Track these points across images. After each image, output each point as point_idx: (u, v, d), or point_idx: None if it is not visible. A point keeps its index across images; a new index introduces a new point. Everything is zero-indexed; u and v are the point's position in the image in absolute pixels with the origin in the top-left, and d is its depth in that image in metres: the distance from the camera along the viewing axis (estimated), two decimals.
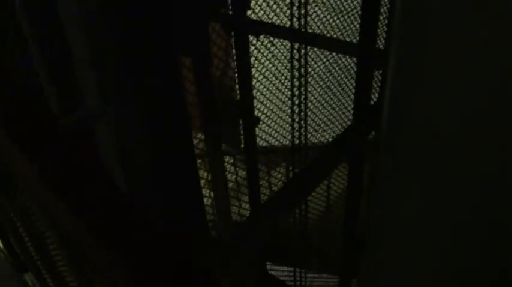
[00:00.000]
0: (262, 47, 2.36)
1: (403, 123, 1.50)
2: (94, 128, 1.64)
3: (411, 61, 1.38)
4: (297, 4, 2.27)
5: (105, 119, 1.57)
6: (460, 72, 1.25)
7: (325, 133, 3.15)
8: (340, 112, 3.23)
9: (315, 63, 2.72)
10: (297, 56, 2.38)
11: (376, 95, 3.27)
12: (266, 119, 2.54)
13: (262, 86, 2.46)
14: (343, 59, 2.96)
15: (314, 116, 2.89)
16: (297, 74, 2.42)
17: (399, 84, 1.48)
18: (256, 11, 2.27)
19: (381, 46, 2.94)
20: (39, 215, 1.94)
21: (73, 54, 1.47)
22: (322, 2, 2.56)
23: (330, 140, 3.16)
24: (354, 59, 2.94)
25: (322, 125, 3.07)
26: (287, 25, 2.32)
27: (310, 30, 2.46)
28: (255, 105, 2.38)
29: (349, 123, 3.32)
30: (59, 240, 1.98)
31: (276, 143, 2.73)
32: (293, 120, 2.58)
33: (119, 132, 1.64)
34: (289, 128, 2.62)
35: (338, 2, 2.70)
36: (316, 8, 2.53)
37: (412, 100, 1.43)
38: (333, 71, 2.91)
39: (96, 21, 1.39)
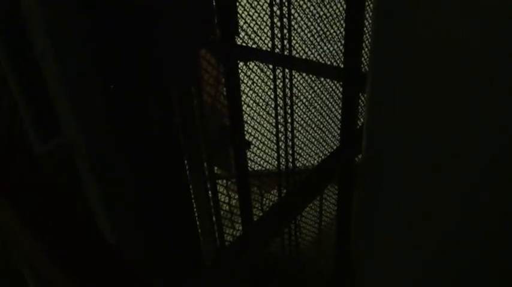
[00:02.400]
0: (251, 72, 2.42)
1: (378, 148, 1.52)
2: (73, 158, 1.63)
3: (383, 87, 1.41)
4: (279, 30, 2.34)
5: (85, 147, 1.56)
6: (432, 99, 1.27)
7: (312, 156, 3.20)
8: (327, 135, 3.29)
9: (303, 87, 2.78)
10: (283, 81, 2.44)
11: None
12: (257, 142, 2.58)
13: (253, 111, 2.51)
14: (330, 83, 3.03)
15: (302, 138, 2.94)
16: (284, 98, 2.48)
17: (374, 110, 1.51)
18: (245, 38, 2.34)
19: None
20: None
21: (49, 87, 1.49)
22: (308, 29, 2.64)
23: (318, 162, 3.21)
24: (340, 83, 3.01)
25: (310, 147, 3.12)
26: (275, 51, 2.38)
27: (296, 56, 2.52)
28: (246, 129, 2.43)
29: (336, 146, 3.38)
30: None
31: (267, 166, 2.77)
32: (278, 143, 2.62)
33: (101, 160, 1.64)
34: (279, 151, 2.66)
35: (324, 28, 2.78)
36: (302, 34, 2.60)
37: (384, 126, 1.45)
38: (320, 95, 2.97)
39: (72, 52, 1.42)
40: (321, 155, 3.32)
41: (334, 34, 2.95)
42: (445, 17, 1.11)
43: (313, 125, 3.06)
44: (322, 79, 2.96)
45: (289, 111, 2.57)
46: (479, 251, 1.37)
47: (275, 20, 2.29)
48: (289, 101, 2.50)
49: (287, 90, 2.51)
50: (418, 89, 1.24)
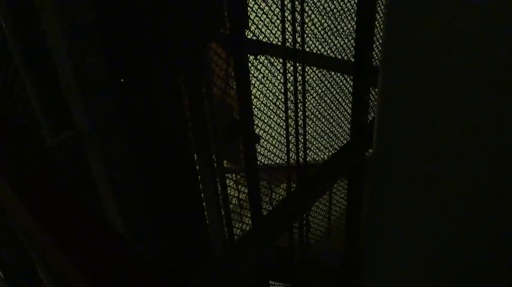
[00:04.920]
0: (261, 66, 2.41)
1: (389, 143, 1.51)
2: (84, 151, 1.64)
3: (395, 82, 1.40)
4: (290, 24, 2.33)
5: (96, 139, 1.57)
6: (443, 95, 1.27)
7: (322, 151, 3.19)
8: (337, 129, 3.27)
9: (313, 81, 2.77)
10: (294, 75, 2.43)
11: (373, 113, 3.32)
12: (267, 136, 2.58)
13: (262, 105, 2.50)
14: (341, 77, 3.01)
15: (312, 132, 2.93)
16: (295, 92, 2.47)
17: (385, 105, 1.50)
18: (256, 32, 2.33)
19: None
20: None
21: (61, 79, 1.49)
22: (319, 22, 2.62)
23: (328, 156, 3.20)
24: (351, 78, 3.00)
25: (320, 142, 3.10)
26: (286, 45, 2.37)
27: (307, 49, 2.51)
28: (255, 123, 2.42)
29: (347, 140, 3.37)
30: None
31: (277, 160, 2.76)
32: (288, 137, 2.61)
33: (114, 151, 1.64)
34: (289, 145, 2.65)
35: (335, 22, 2.76)
36: (313, 28, 2.59)
37: (396, 120, 1.45)
38: (331, 89, 2.96)
39: (85, 47, 1.42)
40: (331, 149, 3.31)
41: (346, 28, 2.93)
42: (456, 14, 1.11)
43: (324, 119, 3.05)
44: (332, 73, 2.94)
45: (300, 105, 2.56)
46: (487, 244, 1.37)
47: (286, 14, 2.27)
48: (300, 96, 2.49)
49: (298, 84, 2.50)
50: (429, 84, 1.23)
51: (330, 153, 3.29)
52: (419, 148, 1.34)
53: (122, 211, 1.69)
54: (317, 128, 3.01)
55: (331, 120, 3.16)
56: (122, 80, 1.62)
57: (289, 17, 2.33)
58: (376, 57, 3.01)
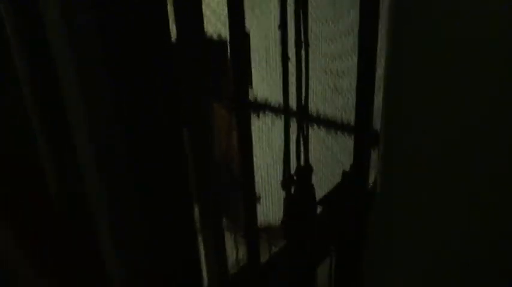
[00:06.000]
0: (263, 124, 2.42)
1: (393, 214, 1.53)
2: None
3: (399, 145, 1.43)
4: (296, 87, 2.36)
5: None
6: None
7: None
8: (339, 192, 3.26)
9: (316, 141, 2.78)
10: (298, 135, 2.44)
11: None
12: (267, 196, 2.56)
13: (264, 163, 2.50)
14: (342, 137, 3.03)
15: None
16: (297, 152, 2.48)
17: (390, 167, 1.52)
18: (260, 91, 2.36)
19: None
20: None
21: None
22: (325, 83, 2.66)
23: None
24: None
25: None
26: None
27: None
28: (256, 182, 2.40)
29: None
30: None
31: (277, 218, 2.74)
32: (289, 194, 2.60)
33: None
34: (288, 204, 2.64)
35: (336, 83, 2.80)
36: (314, 86, 2.62)
37: (401, 188, 1.47)
38: (331, 148, 2.97)
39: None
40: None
41: (345, 87, 2.97)
42: (453, 53, 1.13)
43: (325, 180, 3.04)
44: (333, 132, 2.96)
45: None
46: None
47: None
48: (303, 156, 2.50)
49: (299, 141, 2.51)
50: (431, 139, 1.25)
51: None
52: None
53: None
54: (318, 189, 2.99)
55: (334, 181, 3.15)
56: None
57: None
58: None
